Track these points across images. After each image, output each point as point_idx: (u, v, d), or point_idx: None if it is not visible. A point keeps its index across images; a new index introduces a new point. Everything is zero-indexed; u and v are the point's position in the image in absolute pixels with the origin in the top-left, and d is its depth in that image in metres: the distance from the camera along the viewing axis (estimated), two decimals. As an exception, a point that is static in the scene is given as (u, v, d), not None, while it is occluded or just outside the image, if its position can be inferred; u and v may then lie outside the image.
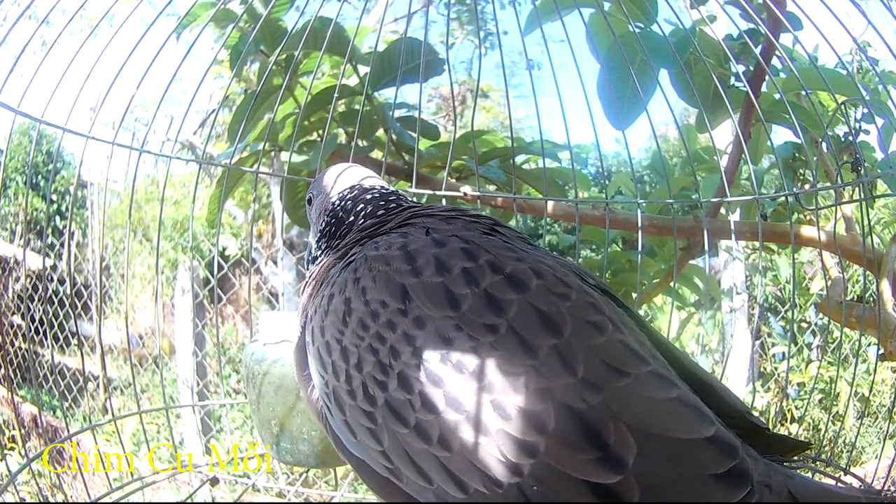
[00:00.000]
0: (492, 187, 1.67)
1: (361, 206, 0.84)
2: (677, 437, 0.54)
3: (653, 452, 0.52)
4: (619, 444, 0.52)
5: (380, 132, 1.65)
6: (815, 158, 1.54)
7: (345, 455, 0.68)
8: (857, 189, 1.33)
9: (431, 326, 0.59)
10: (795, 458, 0.64)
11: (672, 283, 1.64)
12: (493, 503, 0.54)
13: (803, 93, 1.37)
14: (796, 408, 3.26)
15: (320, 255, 0.86)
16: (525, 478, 0.53)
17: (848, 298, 1.63)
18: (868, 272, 1.44)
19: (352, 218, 0.84)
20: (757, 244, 2.23)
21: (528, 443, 0.53)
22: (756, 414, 0.70)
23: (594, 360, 0.56)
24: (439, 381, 0.57)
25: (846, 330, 1.63)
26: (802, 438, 0.72)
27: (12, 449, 2.37)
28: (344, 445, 0.66)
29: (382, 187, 0.88)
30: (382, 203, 0.84)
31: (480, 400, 0.55)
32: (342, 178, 0.90)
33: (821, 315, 3.32)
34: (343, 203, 0.86)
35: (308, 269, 0.88)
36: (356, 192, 0.87)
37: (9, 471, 0.95)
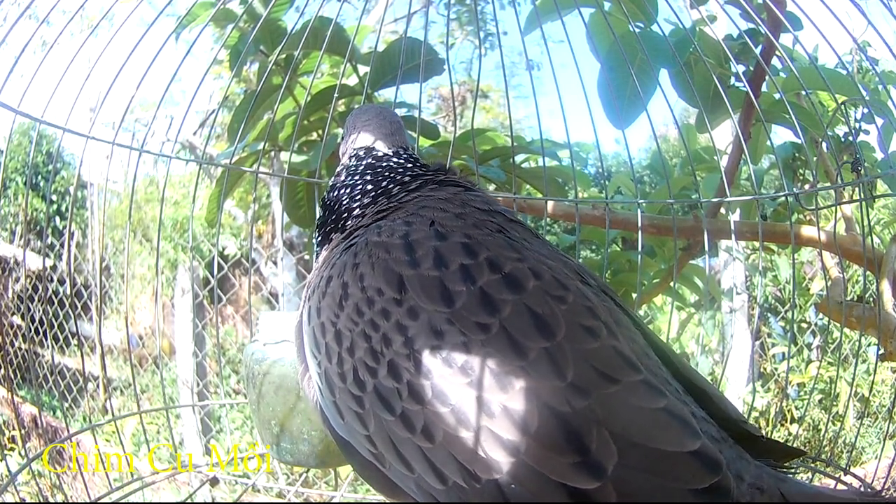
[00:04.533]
0: (492, 186, 1.67)
1: (366, 183, 0.84)
2: (660, 448, 0.53)
3: (634, 462, 0.52)
4: (600, 450, 0.52)
5: (380, 132, 1.65)
6: (815, 158, 1.54)
7: (331, 434, 0.69)
8: (857, 189, 1.33)
9: (424, 318, 0.59)
10: (790, 463, 0.64)
11: (672, 284, 1.64)
12: (470, 498, 0.54)
13: (803, 93, 1.37)
14: (796, 408, 3.26)
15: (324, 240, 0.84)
16: (504, 476, 0.53)
17: (848, 298, 1.63)
18: (868, 272, 1.44)
19: (347, 201, 0.83)
20: (757, 244, 2.23)
21: (509, 441, 0.53)
22: (756, 414, 0.70)
23: (585, 364, 0.56)
24: (428, 372, 0.57)
25: (846, 330, 1.64)
26: (802, 439, 0.72)
27: (12, 449, 2.38)
28: (331, 425, 0.68)
29: (395, 155, 0.88)
30: (398, 178, 0.84)
31: (466, 395, 0.55)
32: (360, 136, 0.91)
33: (821, 315, 3.32)
34: (348, 175, 0.86)
35: (316, 252, 0.86)
36: (363, 165, 0.86)
37: (9, 471, 0.95)
